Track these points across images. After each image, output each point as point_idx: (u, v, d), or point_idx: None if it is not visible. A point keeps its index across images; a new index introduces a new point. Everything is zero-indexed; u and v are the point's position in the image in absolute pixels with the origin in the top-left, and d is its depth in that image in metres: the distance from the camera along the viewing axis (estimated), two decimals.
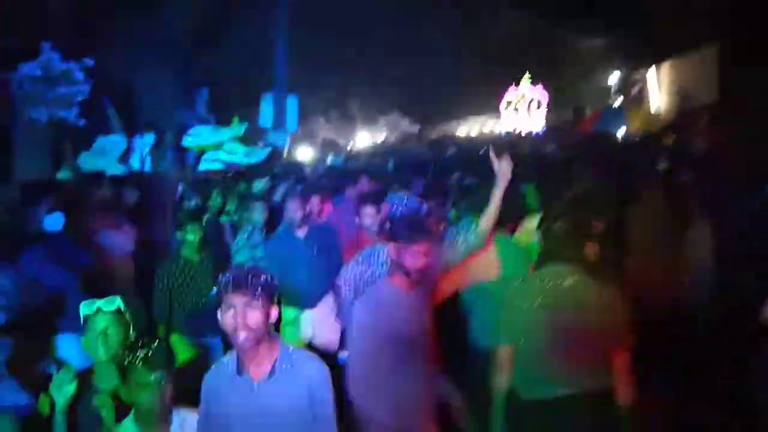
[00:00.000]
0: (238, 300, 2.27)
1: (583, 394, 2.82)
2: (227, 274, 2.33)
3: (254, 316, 2.28)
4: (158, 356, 2.48)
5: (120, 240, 5.02)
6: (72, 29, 6.87)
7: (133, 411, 2.50)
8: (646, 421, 3.19)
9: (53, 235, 4.40)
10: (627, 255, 4.35)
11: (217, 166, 7.17)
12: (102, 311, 2.71)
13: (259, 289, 2.29)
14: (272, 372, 2.35)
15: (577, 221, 2.99)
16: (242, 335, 2.26)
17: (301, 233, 4.83)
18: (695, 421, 3.82)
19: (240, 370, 2.36)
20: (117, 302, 2.74)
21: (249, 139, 8.71)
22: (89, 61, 6.30)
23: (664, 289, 4.00)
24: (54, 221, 4.35)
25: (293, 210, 4.78)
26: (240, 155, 7.29)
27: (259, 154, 7.52)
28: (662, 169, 7.77)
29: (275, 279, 2.40)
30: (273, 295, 2.36)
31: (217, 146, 7.38)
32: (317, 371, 2.41)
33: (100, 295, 4.44)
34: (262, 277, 2.32)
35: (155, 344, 2.51)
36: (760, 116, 10.11)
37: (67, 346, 4.10)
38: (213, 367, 2.50)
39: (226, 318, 2.28)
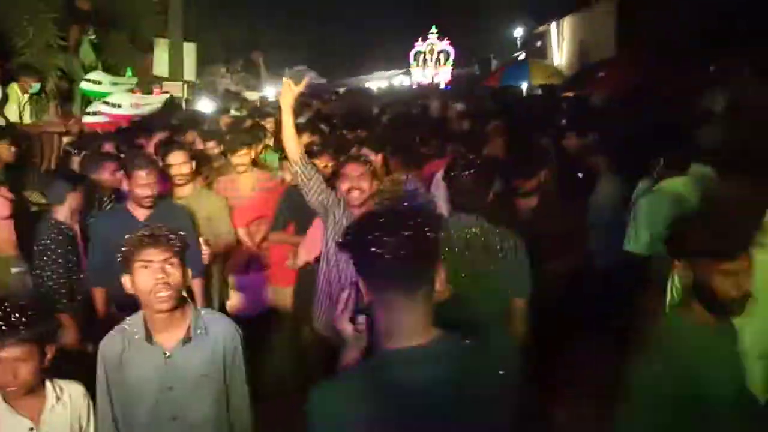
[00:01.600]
0: (156, 256, 2.10)
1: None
2: (140, 230, 2.17)
3: (174, 274, 2.12)
4: None
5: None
6: None
7: None
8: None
9: None
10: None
11: (101, 119, 6.51)
12: None
13: (177, 245, 2.14)
14: (187, 339, 2.18)
15: (482, 172, 3.04)
16: (163, 293, 2.09)
17: (142, 214, 3.64)
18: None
19: (149, 337, 2.17)
20: None
21: (142, 89, 8.12)
22: None
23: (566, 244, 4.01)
24: None
25: (140, 181, 3.53)
26: (126, 107, 6.61)
27: (149, 106, 6.85)
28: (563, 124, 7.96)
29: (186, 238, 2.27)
30: (185, 255, 2.21)
31: (104, 96, 6.72)
32: (232, 334, 2.30)
33: None
34: (178, 234, 2.19)
35: None
36: (655, 69, 10.54)
37: None
38: (112, 333, 2.25)
39: (141, 276, 2.09)
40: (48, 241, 3.67)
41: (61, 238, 3.71)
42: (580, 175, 5.20)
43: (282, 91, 3.43)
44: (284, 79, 3.43)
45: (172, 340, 2.19)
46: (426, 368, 1.45)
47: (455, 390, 1.45)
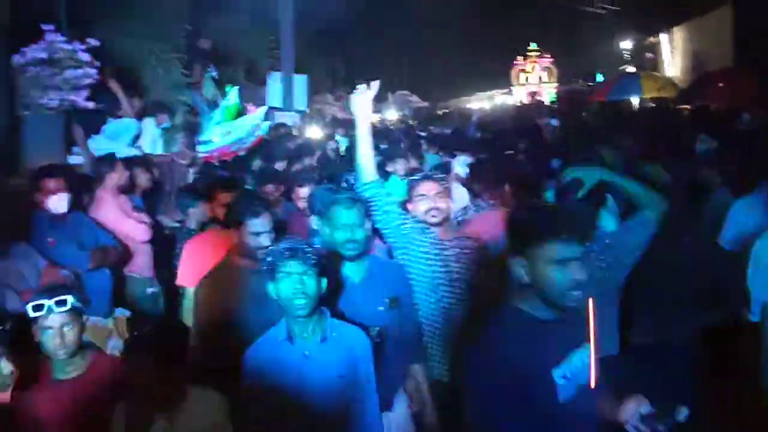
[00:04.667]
0: (294, 268, 2.35)
1: None
2: (282, 243, 2.42)
3: (311, 284, 2.36)
4: None
5: (135, 229, 4.94)
6: (73, 9, 6.74)
7: None
8: None
9: (69, 216, 4.33)
10: None
11: (207, 149, 6.92)
12: (54, 312, 2.48)
13: (313, 258, 2.38)
14: (324, 339, 2.40)
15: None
16: (301, 302, 2.34)
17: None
18: None
19: (291, 338, 2.40)
20: (70, 301, 2.53)
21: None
22: (94, 42, 6.11)
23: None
24: (58, 203, 4.26)
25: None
26: (218, 141, 6.94)
27: (243, 128, 7.13)
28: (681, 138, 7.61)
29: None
30: (323, 266, 2.44)
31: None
32: (363, 343, 2.51)
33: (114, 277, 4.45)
34: (315, 248, 2.45)
35: None
36: None
37: None
38: (258, 341, 2.50)
39: (283, 286, 2.35)
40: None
41: None
42: None
43: (355, 99, 3.19)
44: (364, 89, 3.17)
45: (312, 340, 2.41)
46: None
47: None
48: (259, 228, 3.07)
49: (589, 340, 2.03)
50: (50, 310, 2.45)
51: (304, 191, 4.43)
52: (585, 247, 2.47)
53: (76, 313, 2.54)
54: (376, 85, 3.21)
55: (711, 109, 9.50)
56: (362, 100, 3.16)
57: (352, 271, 2.88)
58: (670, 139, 6.79)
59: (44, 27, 5.83)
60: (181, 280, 4.00)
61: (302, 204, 4.38)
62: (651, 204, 2.91)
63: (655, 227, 2.92)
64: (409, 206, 3.36)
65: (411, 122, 14.14)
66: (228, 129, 7.27)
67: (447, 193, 3.36)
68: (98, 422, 2.41)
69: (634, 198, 2.95)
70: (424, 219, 3.25)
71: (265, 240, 3.04)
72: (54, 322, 2.47)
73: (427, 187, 3.29)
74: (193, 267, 3.78)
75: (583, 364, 1.99)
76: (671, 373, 3.27)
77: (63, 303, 2.48)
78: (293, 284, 2.33)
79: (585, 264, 2.23)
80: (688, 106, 10.82)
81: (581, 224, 2.10)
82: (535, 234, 1.96)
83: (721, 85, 11.00)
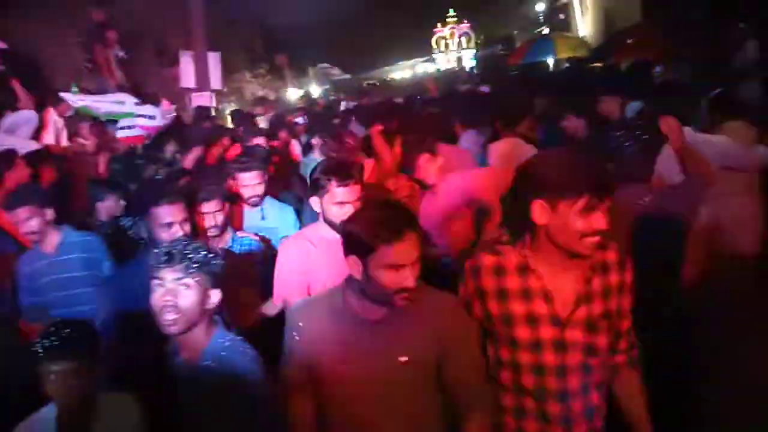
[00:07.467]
0: (168, 276, 1.96)
1: None
2: (164, 245, 2.03)
3: (187, 295, 1.97)
4: None
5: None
6: None
7: None
8: None
9: None
10: None
11: (136, 132, 6.59)
12: None
13: (195, 265, 1.98)
14: (201, 360, 2.06)
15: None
16: (170, 317, 1.96)
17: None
18: None
19: (177, 350, 2.13)
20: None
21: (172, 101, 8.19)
22: (2, 45, 5.63)
23: None
24: None
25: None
26: (159, 118, 6.63)
27: (171, 114, 6.87)
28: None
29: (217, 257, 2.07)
30: (214, 275, 2.04)
31: (130, 114, 6.79)
32: (245, 369, 2.03)
33: None
34: (201, 253, 2.01)
35: None
36: (680, 36, 10.24)
37: None
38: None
39: (154, 297, 1.98)
40: None
41: None
42: None
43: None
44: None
45: (192, 358, 2.10)
46: None
47: None
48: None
49: None
50: None
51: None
52: None
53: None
54: None
55: (622, 66, 9.78)
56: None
57: None
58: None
59: None
60: None
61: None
62: None
63: None
64: None
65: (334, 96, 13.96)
66: (169, 109, 6.99)
67: None
68: None
69: None
70: None
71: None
72: None
73: None
74: None
75: None
76: None
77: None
78: (163, 295, 1.95)
79: None
80: (600, 64, 11.12)
81: None
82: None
83: (630, 41, 11.32)
